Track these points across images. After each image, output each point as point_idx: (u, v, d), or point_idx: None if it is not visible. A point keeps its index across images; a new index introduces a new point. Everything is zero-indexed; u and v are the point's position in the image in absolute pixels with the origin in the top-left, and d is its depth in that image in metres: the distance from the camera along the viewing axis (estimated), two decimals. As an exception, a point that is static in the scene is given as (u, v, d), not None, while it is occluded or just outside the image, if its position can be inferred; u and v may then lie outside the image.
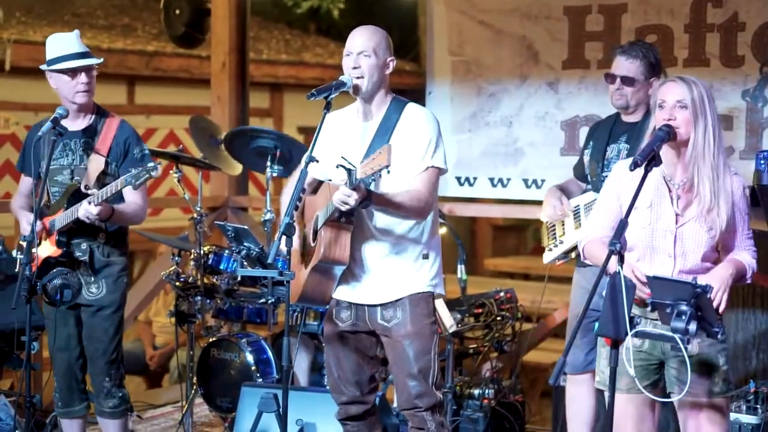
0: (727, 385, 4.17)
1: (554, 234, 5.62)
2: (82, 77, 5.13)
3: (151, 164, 4.89)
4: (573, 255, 5.56)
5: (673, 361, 4.10)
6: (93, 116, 5.29)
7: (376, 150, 4.46)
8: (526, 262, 12.50)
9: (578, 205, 5.48)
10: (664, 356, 4.14)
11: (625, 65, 5.33)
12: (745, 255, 4.17)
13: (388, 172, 4.14)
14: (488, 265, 13.63)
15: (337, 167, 4.24)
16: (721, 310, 3.99)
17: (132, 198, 5.16)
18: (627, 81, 5.31)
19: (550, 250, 5.64)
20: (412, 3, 14.38)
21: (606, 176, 5.34)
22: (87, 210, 4.92)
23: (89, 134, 5.24)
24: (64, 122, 5.11)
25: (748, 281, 4.23)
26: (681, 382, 4.08)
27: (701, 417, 4.16)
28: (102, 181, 5.12)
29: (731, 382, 4.18)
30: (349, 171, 4.14)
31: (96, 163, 5.16)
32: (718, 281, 4.01)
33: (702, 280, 3.97)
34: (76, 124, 5.26)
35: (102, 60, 5.18)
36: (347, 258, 4.49)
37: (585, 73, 6.68)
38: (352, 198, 4.15)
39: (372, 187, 4.30)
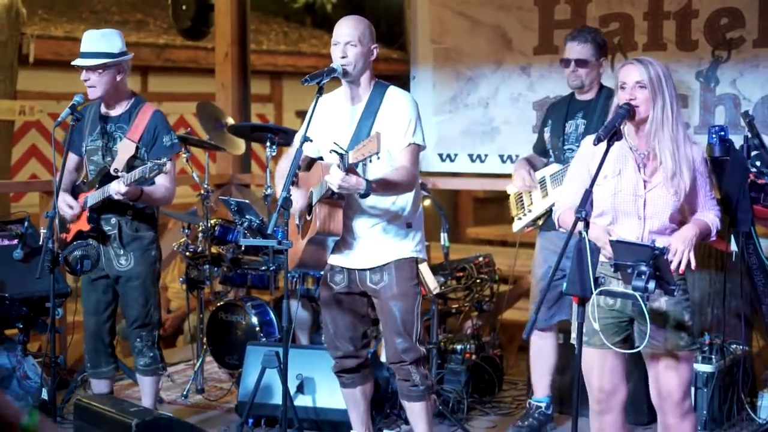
0: (692, 340, 4.16)
1: (522, 204, 5.65)
2: (83, 74, 5.12)
3: (163, 160, 4.86)
4: (540, 222, 5.59)
5: (642, 318, 4.09)
6: (129, 104, 5.26)
7: (363, 130, 4.51)
8: (504, 230, 12.37)
9: (544, 177, 5.51)
10: (634, 313, 4.13)
11: (577, 49, 5.40)
12: (709, 215, 4.17)
13: (378, 158, 4.16)
14: (470, 234, 13.63)
15: (330, 152, 4.28)
16: (693, 266, 3.99)
17: (161, 181, 5.14)
18: (580, 63, 5.38)
19: (520, 218, 5.67)
20: (400, -2, 14.37)
21: (568, 149, 5.41)
22: (117, 189, 4.92)
23: (123, 120, 5.22)
24: (103, 108, 5.21)
25: (713, 238, 4.19)
26: (649, 337, 4.10)
27: (667, 368, 4.16)
28: (131, 164, 5.09)
29: (695, 337, 4.18)
30: (341, 156, 4.16)
31: (126, 148, 5.13)
32: (681, 242, 4.01)
33: (668, 240, 4.01)
34: (113, 110, 5.26)
35: (95, 62, 5.05)
36: (341, 230, 4.52)
37: (554, 58, 6.65)
38: (347, 182, 4.17)
39: (359, 169, 4.31)
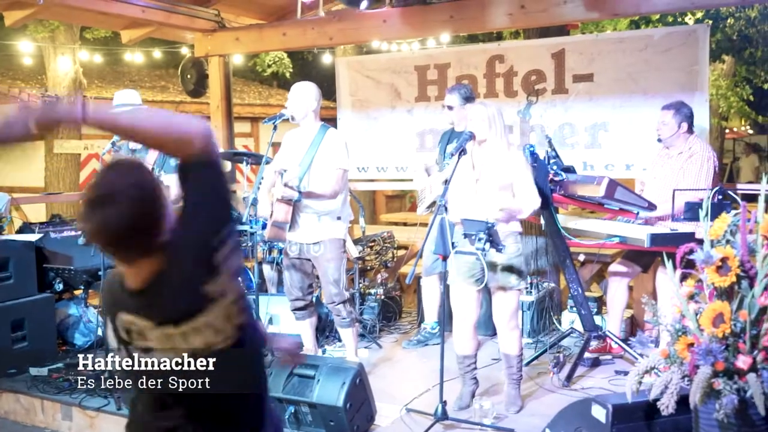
0: (519, 281, 4.15)
1: (423, 196, 5.63)
2: None
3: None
4: (432, 209, 5.55)
5: (489, 267, 4.12)
6: None
7: (309, 156, 4.52)
8: (404, 215, 12.35)
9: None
10: (482, 264, 4.09)
11: (449, 98, 5.40)
12: (519, 201, 4.05)
13: (301, 183, 4.38)
14: (382, 219, 13.56)
15: (275, 173, 4.34)
16: (500, 219, 3.92)
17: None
18: (449, 107, 5.38)
19: (420, 206, 5.64)
20: (332, 66, 14.31)
21: (445, 163, 5.39)
22: None
23: (143, 150, 5.12)
24: (131, 144, 5.05)
25: (524, 217, 4.09)
26: (491, 279, 4.15)
27: (503, 299, 4.20)
28: None
29: (523, 280, 4.17)
30: (281, 175, 4.23)
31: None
32: (501, 209, 3.98)
33: (492, 213, 3.98)
34: (137, 144, 5.15)
35: (128, 108, 5.07)
36: (289, 220, 4.54)
37: (428, 104, 6.70)
38: (286, 194, 4.31)
39: (303, 183, 4.39)
